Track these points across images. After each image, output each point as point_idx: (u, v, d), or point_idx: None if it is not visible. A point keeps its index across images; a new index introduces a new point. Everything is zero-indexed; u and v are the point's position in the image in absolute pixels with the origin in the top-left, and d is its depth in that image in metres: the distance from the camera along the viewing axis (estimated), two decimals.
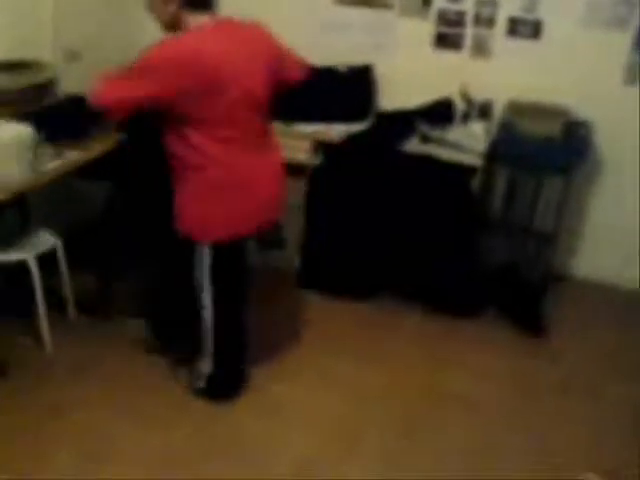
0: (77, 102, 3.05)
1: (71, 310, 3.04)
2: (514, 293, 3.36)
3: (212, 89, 2.13)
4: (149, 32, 3.86)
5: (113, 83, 2.19)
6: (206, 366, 2.61)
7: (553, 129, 3.19)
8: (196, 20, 2.22)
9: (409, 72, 3.58)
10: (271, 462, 2.37)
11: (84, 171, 2.85)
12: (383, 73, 3.63)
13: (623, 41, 3.30)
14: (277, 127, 3.47)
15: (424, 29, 3.55)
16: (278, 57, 2.38)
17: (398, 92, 3.59)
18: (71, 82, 3.14)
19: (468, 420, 2.64)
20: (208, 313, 2.50)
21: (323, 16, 3.68)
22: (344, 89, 3.54)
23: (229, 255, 2.44)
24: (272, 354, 2.90)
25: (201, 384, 2.64)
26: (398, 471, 2.36)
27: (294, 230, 3.44)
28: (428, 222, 3.20)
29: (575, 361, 3.04)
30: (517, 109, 3.30)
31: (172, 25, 2.23)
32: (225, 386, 2.67)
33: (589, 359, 3.06)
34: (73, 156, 2.79)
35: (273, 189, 2.47)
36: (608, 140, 3.43)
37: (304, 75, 2.54)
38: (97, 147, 2.93)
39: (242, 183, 2.33)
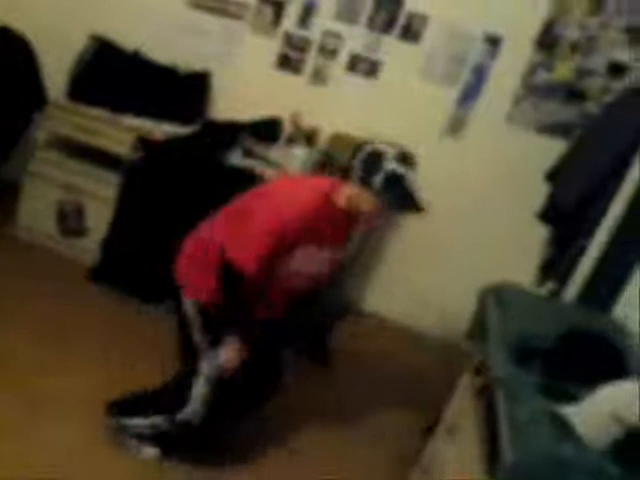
0: None
1: None
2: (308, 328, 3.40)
3: None
4: None
5: None
6: None
7: None
8: None
9: (247, 86, 3.60)
10: None
11: None
12: (222, 82, 3.62)
13: (450, 95, 3.47)
14: (103, 115, 3.42)
15: (269, 47, 3.59)
16: None
17: (233, 104, 3.58)
18: None
19: None
20: None
21: (174, 17, 3.62)
22: (178, 90, 3.51)
23: None
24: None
25: None
26: None
27: (101, 222, 3.36)
28: None
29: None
30: (338, 142, 3.39)
31: None
32: None
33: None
34: None
35: None
36: (422, 185, 3.55)
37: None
38: None
39: None
